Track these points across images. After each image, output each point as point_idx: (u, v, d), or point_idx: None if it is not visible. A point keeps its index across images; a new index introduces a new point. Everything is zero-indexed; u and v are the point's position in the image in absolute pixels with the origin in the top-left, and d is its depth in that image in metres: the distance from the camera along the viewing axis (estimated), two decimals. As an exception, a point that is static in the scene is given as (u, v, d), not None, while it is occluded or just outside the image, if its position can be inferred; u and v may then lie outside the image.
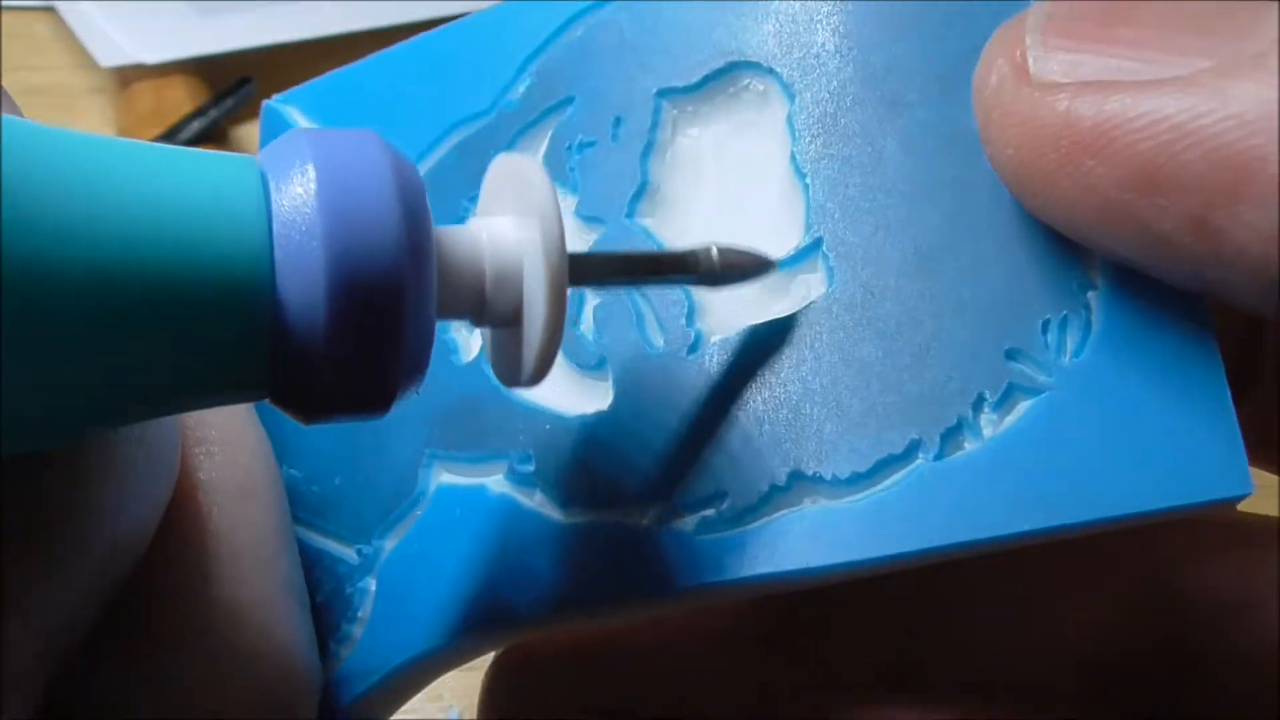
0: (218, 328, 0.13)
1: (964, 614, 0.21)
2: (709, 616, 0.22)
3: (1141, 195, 0.14)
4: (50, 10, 0.61)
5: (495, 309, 0.15)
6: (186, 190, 0.13)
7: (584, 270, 0.16)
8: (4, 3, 0.60)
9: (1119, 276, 0.16)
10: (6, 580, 0.14)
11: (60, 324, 0.12)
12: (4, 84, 0.13)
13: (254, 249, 0.13)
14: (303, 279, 0.13)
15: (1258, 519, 0.20)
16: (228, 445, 0.18)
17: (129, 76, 0.57)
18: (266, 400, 0.14)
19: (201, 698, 0.17)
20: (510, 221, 0.16)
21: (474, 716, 0.35)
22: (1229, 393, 0.15)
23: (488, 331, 0.17)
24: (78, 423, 0.13)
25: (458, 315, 0.16)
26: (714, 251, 0.17)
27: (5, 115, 0.12)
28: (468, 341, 0.20)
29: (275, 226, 0.13)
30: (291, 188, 0.13)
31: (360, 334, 0.14)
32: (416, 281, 0.14)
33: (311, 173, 0.13)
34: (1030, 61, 0.15)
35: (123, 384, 0.13)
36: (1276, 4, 0.14)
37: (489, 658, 0.38)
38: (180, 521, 0.17)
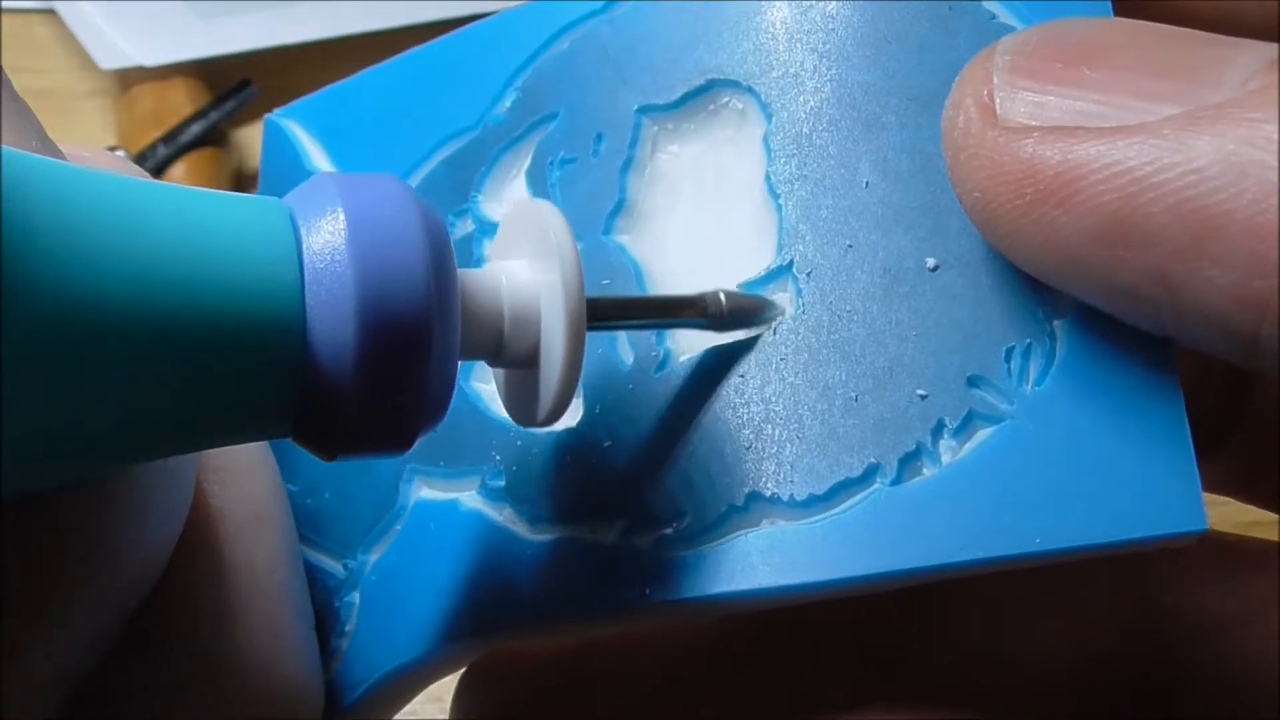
0: (249, 367, 0.14)
1: (949, 632, 0.21)
2: (688, 629, 0.22)
3: (1104, 247, 0.14)
4: (50, 12, 0.61)
5: (512, 350, 0.16)
6: (219, 232, 0.13)
7: (599, 313, 0.17)
8: (4, 4, 0.60)
9: (1085, 306, 0.16)
10: (29, 608, 0.14)
11: (96, 363, 0.13)
12: None
13: (286, 292, 0.14)
14: (333, 322, 0.14)
15: (1245, 539, 0.20)
16: (241, 474, 0.18)
17: (129, 79, 0.57)
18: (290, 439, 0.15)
19: (216, 689, 0.17)
20: (527, 265, 0.16)
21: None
22: (1188, 428, 0.15)
23: (500, 372, 0.17)
24: (109, 458, 0.14)
25: (477, 356, 0.16)
26: (722, 297, 0.17)
27: (47, 158, 0.13)
28: None
29: (307, 270, 0.14)
30: (322, 232, 0.14)
31: (387, 377, 0.14)
32: (443, 327, 0.14)
33: (341, 218, 0.14)
34: (997, 102, 0.15)
35: (155, 421, 0.13)
36: (1243, 49, 0.14)
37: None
38: (195, 551, 0.17)
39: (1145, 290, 0.14)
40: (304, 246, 0.14)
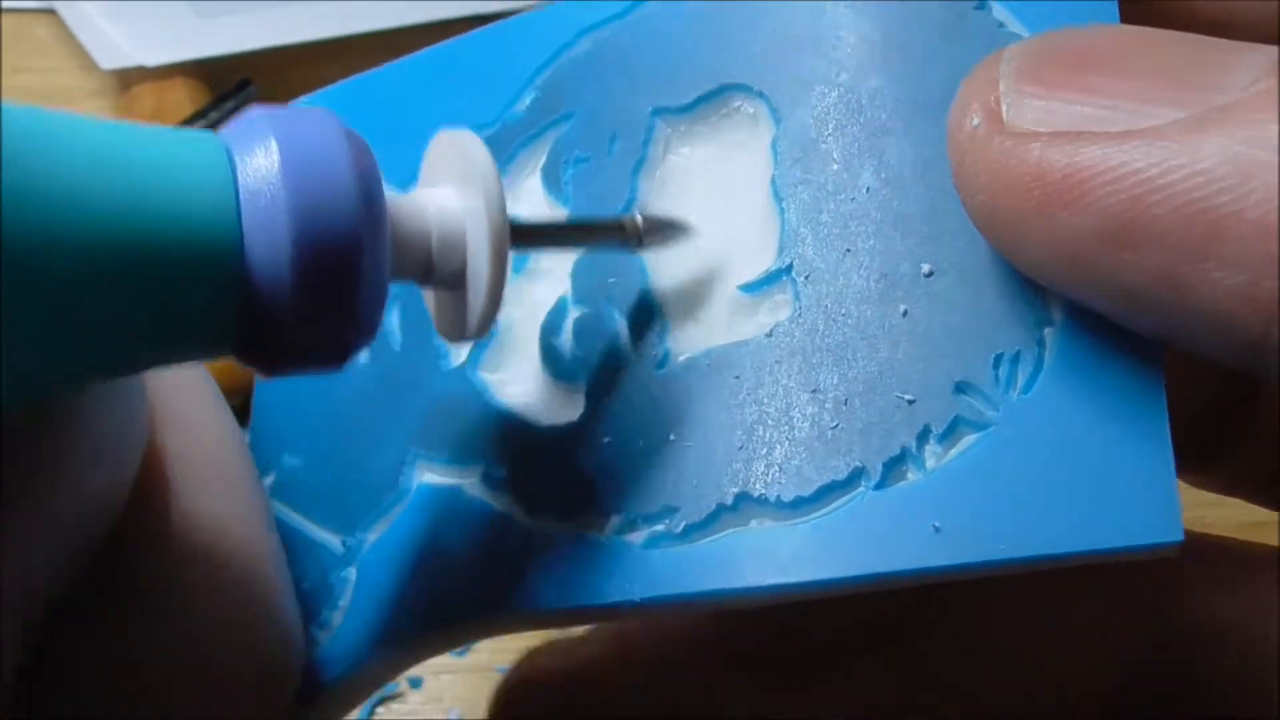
0: (191, 288, 0.15)
1: (960, 642, 0.21)
2: (716, 635, 0.22)
3: (1111, 248, 0.14)
4: (51, 12, 0.61)
5: (441, 271, 0.17)
6: (159, 164, 0.14)
7: (523, 235, 0.18)
8: (4, 4, 0.60)
9: (1077, 315, 0.16)
10: None
11: (52, 289, 0.13)
12: (5, 86, 0.13)
13: (223, 216, 0.15)
14: (269, 242, 0.15)
15: (1254, 545, 0.20)
16: (196, 426, 0.19)
17: (129, 79, 0.57)
18: (233, 358, 0.16)
19: (193, 668, 0.18)
20: (454, 191, 0.17)
21: (474, 717, 0.35)
22: (1170, 441, 0.15)
23: (431, 295, 0.18)
24: (61, 379, 0.15)
25: (408, 278, 0.17)
26: (638, 218, 0.18)
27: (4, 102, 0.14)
28: (457, 346, 0.21)
29: (242, 196, 0.15)
30: (255, 160, 0.15)
31: (322, 293, 0.15)
32: (373, 244, 0.15)
33: (274, 146, 0.15)
34: (1004, 108, 0.15)
35: (106, 341, 0.14)
36: (1246, 52, 0.14)
37: (485, 660, 0.38)
38: (153, 498, 0.18)
39: (1152, 292, 0.14)
40: (239, 174, 0.15)
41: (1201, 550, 0.21)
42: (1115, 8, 0.16)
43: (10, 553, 0.15)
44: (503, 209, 0.17)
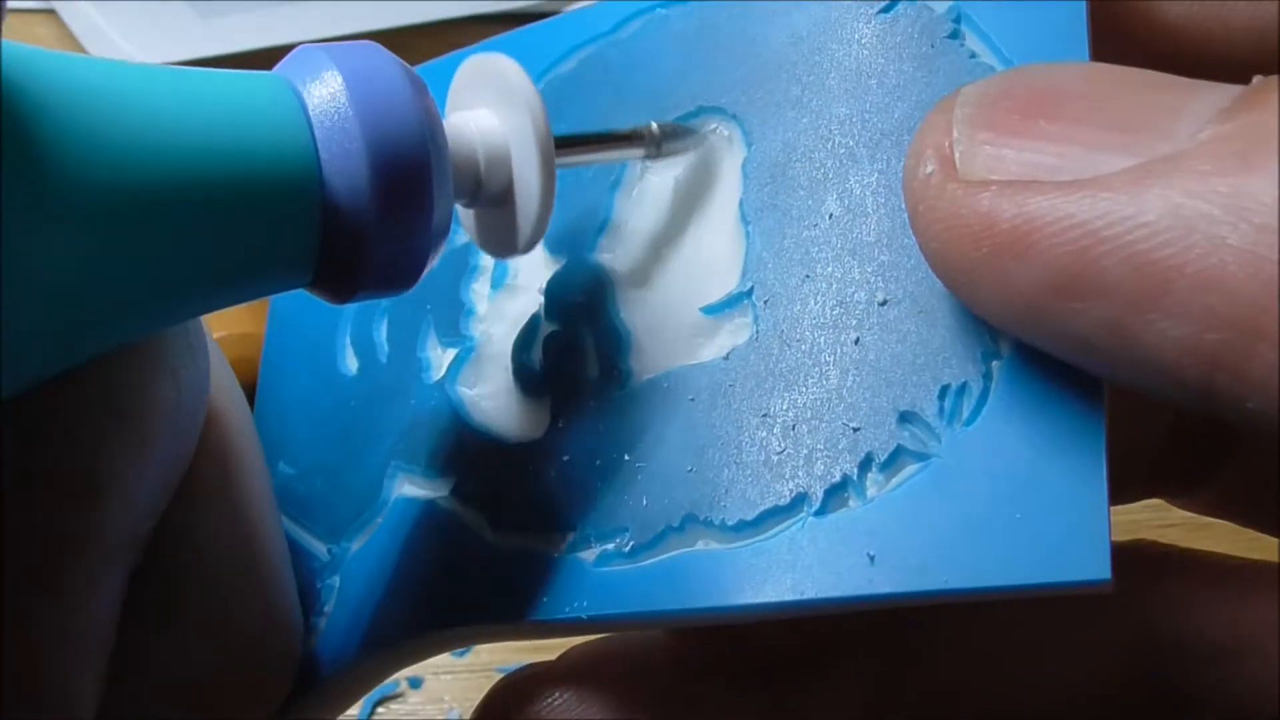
0: (276, 219, 0.15)
1: (949, 661, 0.21)
2: (703, 642, 0.22)
3: (1059, 298, 0.14)
4: (51, 12, 0.61)
5: (489, 190, 0.18)
6: (232, 104, 0.15)
7: (560, 149, 0.18)
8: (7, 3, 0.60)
9: (1025, 350, 0.16)
10: (102, 464, 0.16)
11: (143, 231, 0.14)
12: None
13: (300, 146, 0.15)
14: (346, 166, 0.16)
15: (1248, 562, 0.20)
16: (234, 426, 0.19)
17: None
18: (304, 289, 0.17)
19: (223, 662, 0.19)
20: (492, 112, 0.18)
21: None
22: (1105, 478, 0.15)
23: (472, 214, 0.19)
24: (167, 310, 0.16)
25: (458, 198, 0.18)
26: (655, 127, 0.19)
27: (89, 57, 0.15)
28: (439, 360, 0.21)
29: (315, 127, 0.16)
30: (321, 90, 0.16)
31: (399, 208, 0.16)
32: (439, 159, 0.16)
33: (338, 76, 0.16)
34: (956, 155, 0.15)
35: (199, 276, 0.15)
36: (1199, 94, 0.14)
37: (485, 660, 0.38)
38: (206, 480, 0.18)
39: (1100, 341, 0.14)
40: (308, 105, 0.16)
41: (1196, 566, 0.21)
42: (1085, 31, 0.16)
43: (119, 482, 0.16)
44: (547, 124, 0.17)
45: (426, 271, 0.17)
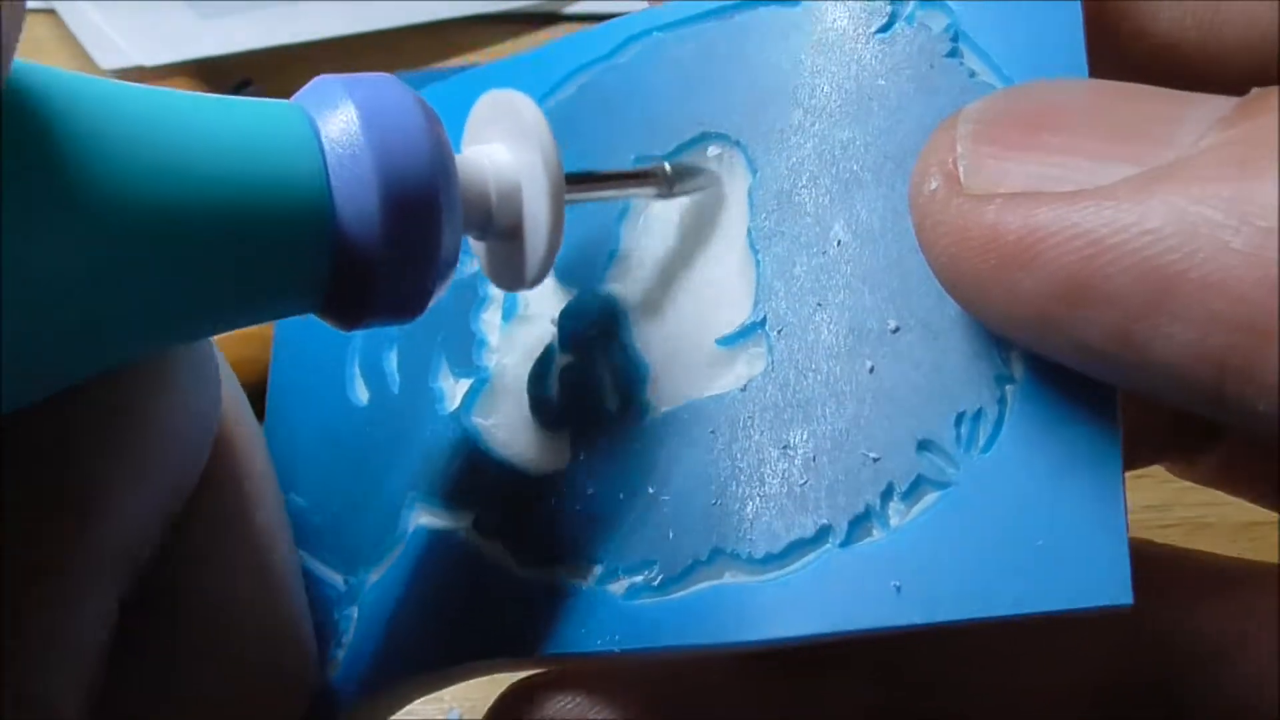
0: (287, 246, 0.16)
1: (949, 660, 0.21)
2: None
3: (1067, 307, 0.14)
4: (51, 12, 0.61)
5: (499, 223, 0.18)
6: (249, 133, 0.16)
7: (571, 185, 0.19)
8: (4, 5, 0.60)
9: (1039, 373, 0.16)
10: (94, 483, 0.16)
11: (162, 244, 0.15)
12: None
13: (313, 176, 0.16)
14: (357, 196, 0.16)
15: (1241, 562, 0.21)
16: (245, 448, 0.20)
17: (129, 79, 0.57)
18: (313, 314, 0.17)
19: (234, 680, 0.19)
20: (505, 147, 0.18)
21: (474, 717, 0.35)
22: (1124, 502, 0.15)
23: (483, 246, 0.19)
24: (171, 330, 0.16)
25: (469, 230, 0.18)
26: (667, 168, 0.20)
27: (113, 81, 0.15)
28: (452, 390, 0.21)
29: (328, 156, 0.16)
30: (336, 121, 0.16)
31: (408, 239, 0.16)
32: (448, 196, 0.17)
33: (352, 107, 0.16)
34: (961, 170, 0.15)
35: (209, 300, 0.16)
36: (1197, 104, 0.15)
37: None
38: (219, 499, 0.19)
39: (1109, 347, 0.14)
40: (322, 136, 0.16)
41: (1194, 567, 0.21)
42: (1082, 47, 0.17)
43: (110, 503, 0.16)
44: (559, 161, 0.18)
45: (434, 301, 0.17)
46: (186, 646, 0.18)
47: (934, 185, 0.15)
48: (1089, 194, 0.14)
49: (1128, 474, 0.16)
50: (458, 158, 0.18)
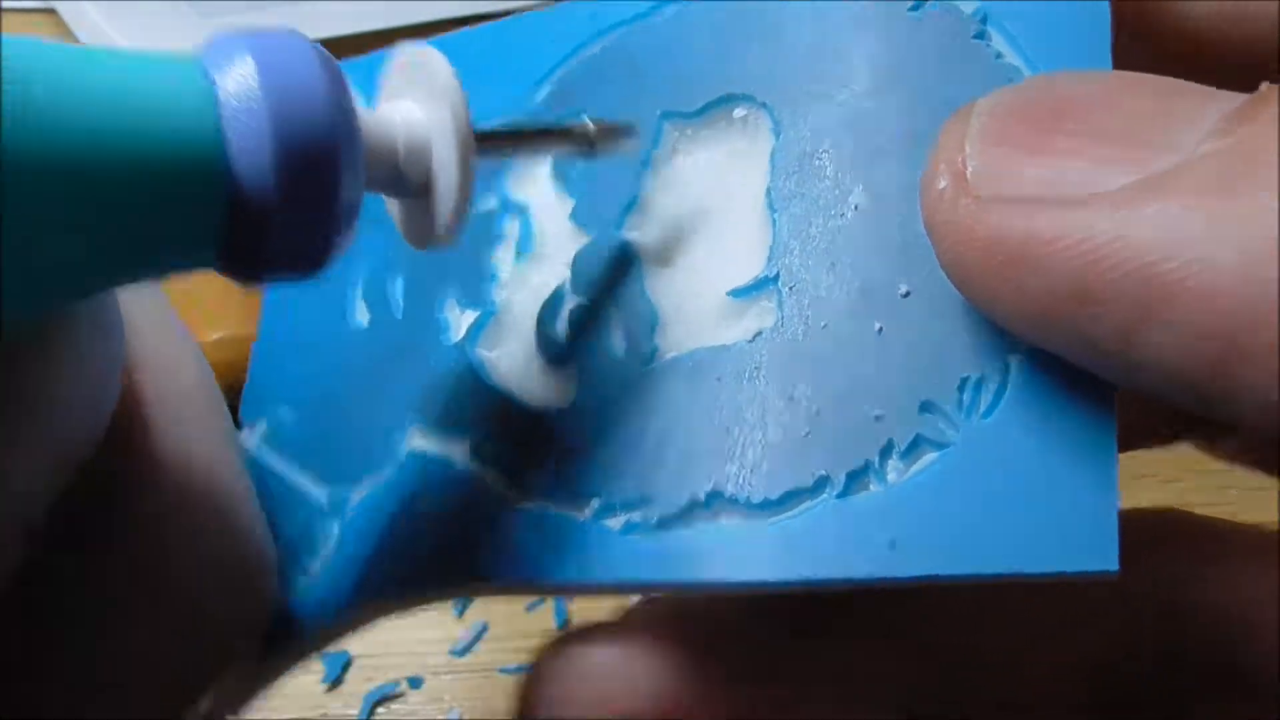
0: (180, 200, 0.16)
1: (961, 635, 0.21)
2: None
3: (1069, 309, 0.15)
4: (51, 11, 0.61)
5: (408, 180, 0.18)
6: (143, 84, 0.15)
7: (485, 142, 0.19)
8: (4, 4, 0.60)
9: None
10: None
11: (51, 207, 0.14)
12: None
13: (207, 128, 0.16)
14: (252, 150, 0.16)
15: (1255, 530, 0.21)
16: (171, 369, 0.20)
17: (130, 78, 0.57)
18: (214, 269, 0.17)
19: (173, 606, 0.19)
20: (417, 105, 0.18)
21: (474, 717, 0.35)
22: (1115, 471, 0.16)
23: (396, 204, 0.19)
24: (66, 289, 0.16)
25: (378, 188, 0.18)
26: (589, 124, 0.20)
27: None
28: (458, 321, 0.22)
29: (223, 109, 0.16)
30: (233, 74, 0.16)
31: (304, 194, 0.16)
32: (349, 148, 0.16)
33: (249, 59, 0.16)
34: (968, 170, 0.16)
35: (101, 254, 0.15)
36: (1207, 103, 0.15)
37: (485, 660, 0.38)
38: (131, 437, 0.19)
39: (1109, 347, 0.15)
40: (219, 88, 0.16)
41: (1203, 536, 0.21)
42: (1108, 32, 0.17)
43: (10, 461, 0.16)
44: (468, 119, 0.18)
45: (335, 256, 0.17)
46: (121, 575, 0.18)
47: (942, 185, 0.16)
48: (1090, 200, 0.15)
49: (1129, 475, 0.16)
50: (367, 114, 0.18)
